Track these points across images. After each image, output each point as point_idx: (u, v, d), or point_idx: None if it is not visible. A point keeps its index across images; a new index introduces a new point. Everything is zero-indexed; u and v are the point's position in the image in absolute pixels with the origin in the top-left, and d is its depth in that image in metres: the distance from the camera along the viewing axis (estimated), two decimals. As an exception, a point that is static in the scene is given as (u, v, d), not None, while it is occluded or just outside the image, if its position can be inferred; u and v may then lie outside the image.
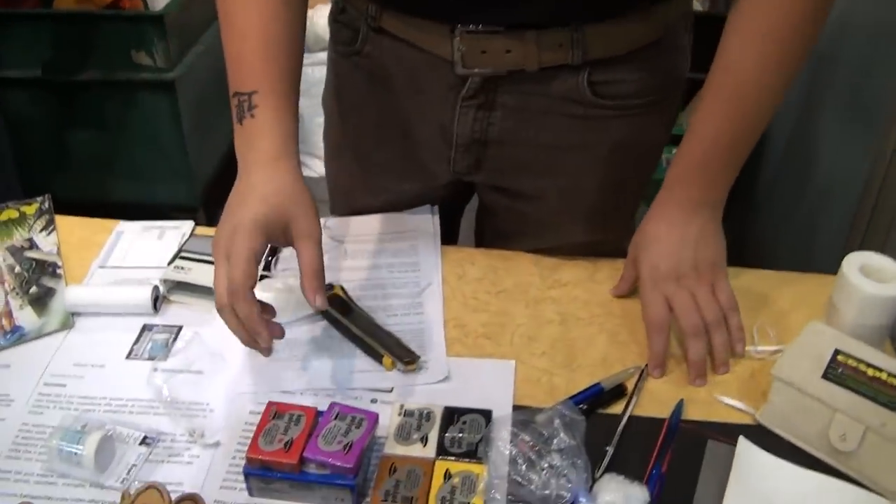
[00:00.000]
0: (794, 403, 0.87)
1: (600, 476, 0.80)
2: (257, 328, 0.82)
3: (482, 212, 1.23)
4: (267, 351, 0.84)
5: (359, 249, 1.10)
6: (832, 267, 1.13)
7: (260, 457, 0.78)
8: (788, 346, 0.91)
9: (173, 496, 0.75)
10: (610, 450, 0.83)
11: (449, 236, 1.18)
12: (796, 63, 0.91)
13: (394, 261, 1.08)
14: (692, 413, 0.90)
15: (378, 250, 1.10)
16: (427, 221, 1.15)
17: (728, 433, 0.88)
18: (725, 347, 0.96)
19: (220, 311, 0.83)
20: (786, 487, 0.83)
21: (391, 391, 0.92)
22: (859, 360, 0.88)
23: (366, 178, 1.18)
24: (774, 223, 2.05)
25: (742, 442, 0.86)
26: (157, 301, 1.01)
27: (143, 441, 0.86)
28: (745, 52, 0.91)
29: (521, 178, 1.10)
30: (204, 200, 2.28)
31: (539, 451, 0.79)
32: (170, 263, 1.03)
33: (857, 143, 1.65)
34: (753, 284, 1.07)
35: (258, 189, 0.85)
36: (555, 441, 0.79)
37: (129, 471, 0.83)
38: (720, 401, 0.92)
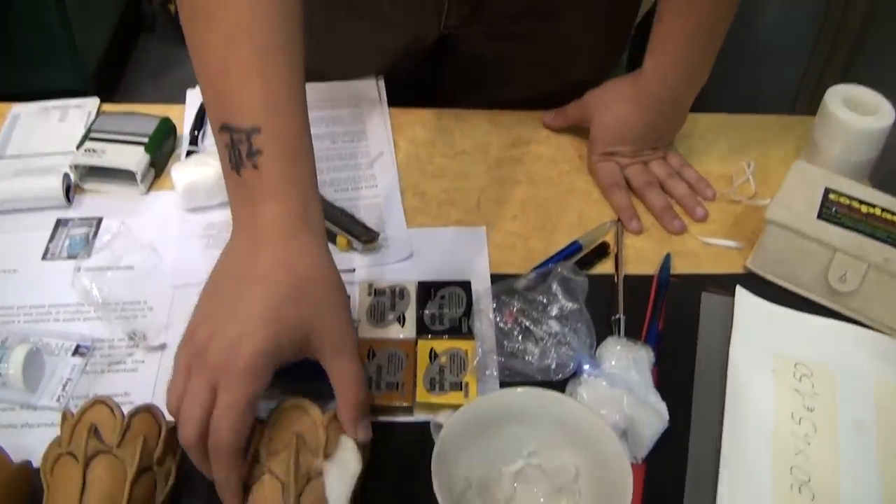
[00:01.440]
0: (789, 247, 0.81)
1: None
2: (228, 498, 0.60)
3: (458, 61, 1.07)
4: None
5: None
6: (782, 109, 1.08)
7: (220, 355, 0.67)
8: (779, 189, 0.84)
9: (124, 409, 0.64)
10: (622, 317, 0.76)
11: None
12: None
13: (337, 129, 0.96)
14: (680, 267, 0.84)
15: (318, 119, 0.97)
16: (371, 88, 1.02)
17: (720, 284, 0.82)
18: (688, 193, 0.92)
19: (185, 447, 0.60)
20: (789, 334, 0.79)
21: (354, 272, 0.82)
22: (851, 198, 0.83)
23: (334, 49, 1.01)
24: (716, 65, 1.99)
25: (740, 291, 0.80)
26: (70, 191, 0.87)
27: (77, 351, 0.74)
28: None
29: (519, 24, 0.97)
30: (95, 83, 2.07)
31: (536, 319, 0.71)
32: (79, 147, 0.89)
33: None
34: (722, 128, 1.01)
35: (266, 287, 0.60)
36: (554, 306, 0.71)
37: (65, 386, 0.72)
38: (708, 242, 0.87)
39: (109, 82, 2.21)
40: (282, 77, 0.63)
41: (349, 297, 0.66)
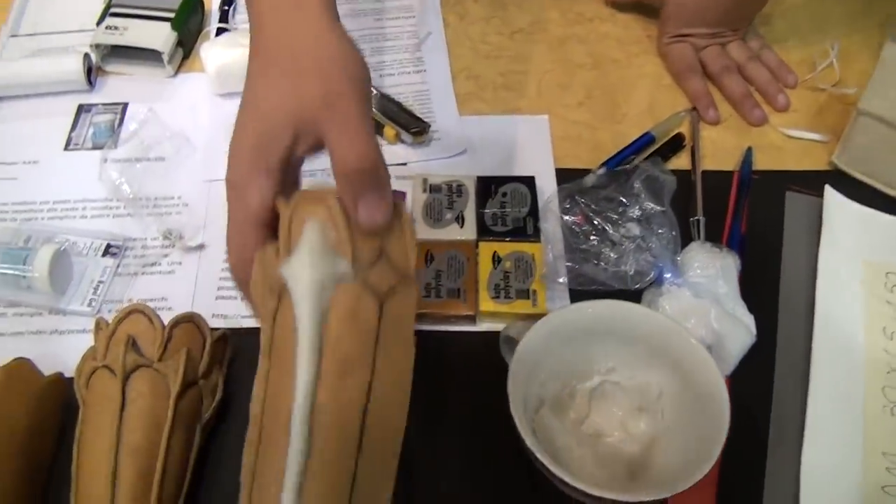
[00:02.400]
0: (882, 141, 0.74)
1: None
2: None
3: None
4: None
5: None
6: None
7: (268, 259, 0.61)
8: (872, 76, 0.76)
9: (162, 316, 0.58)
10: (701, 219, 0.69)
11: None
12: None
13: (380, 6, 0.88)
14: (760, 163, 0.76)
15: (359, -8, 0.89)
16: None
17: (804, 181, 0.75)
18: (769, 79, 0.83)
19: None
20: (881, 240, 0.71)
21: (405, 166, 0.75)
22: (953, 85, 0.74)
23: None
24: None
25: (829, 192, 0.73)
26: (91, 73, 0.80)
27: (107, 251, 0.68)
28: None
29: None
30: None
31: (614, 221, 0.64)
32: (99, 23, 0.81)
33: None
34: (797, 9, 0.91)
35: (273, 67, 0.51)
36: (636, 208, 0.64)
37: (96, 290, 0.66)
38: (791, 135, 0.79)
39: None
40: None
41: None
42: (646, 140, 0.76)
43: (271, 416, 0.45)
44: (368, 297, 0.45)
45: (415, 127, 0.76)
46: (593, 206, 0.65)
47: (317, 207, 0.46)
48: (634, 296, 0.63)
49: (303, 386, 0.43)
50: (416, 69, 0.82)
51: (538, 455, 0.49)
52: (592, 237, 0.64)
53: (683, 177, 0.74)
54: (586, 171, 0.72)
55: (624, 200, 0.65)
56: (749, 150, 0.76)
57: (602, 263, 0.64)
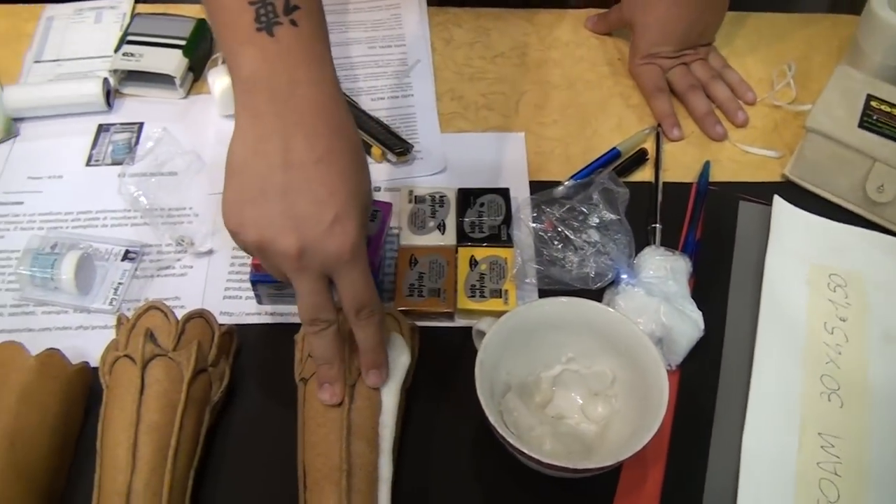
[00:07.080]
0: (828, 156, 0.81)
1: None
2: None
3: None
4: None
5: (333, 22, 0.97)
6: (818, 6, 1.05)
7: (267, 262, 0.69)
8: (820, 95, 0.83)
9: (176, 313, 0.66)
10: (658, 226, 0.77)
11: None
12: None
13: (375, 34, 0.96)
14: (718, 175, 0.84)
15: (356, 22, 0.97)
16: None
17: (758, 192, 0.82)
18: (730, 97, 0.91)
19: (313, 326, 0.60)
20: (825, 244, 0.79)
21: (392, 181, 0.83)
22: (893, 105, 0.82)
23: None
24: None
25: (777, 201, 0.80)
26: (109, 95, 0.88)
27: (126, 256, 0.76)
28: None
29: None
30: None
31: (576, 228, 0.72)
32: (117, 50, 0.89)
33: None
34: (760, 29, 0.99)
35: (338, 162, 0.56)
36: (594, 216, 0.72)
37: (116, 290, 0.74)
38: (748, 151, 0.87)
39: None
40: None
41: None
42: (612, 155, 0.84)
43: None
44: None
45: (399, 148, 0.83)
46: (558, 215, 0.73)
47: None
48: (596, 295, 0.70)
49: None
50: (404, 94, 0.90)
51: (498, 429, 0.57)
52: (557, 243, 0.72)
53: (646, 187, 0.81)
54: (558, 184, 0.79)
55: (584, 210, 0.72)
56: (707, 163, 0.84)
57: (566, 266, 0.71)
